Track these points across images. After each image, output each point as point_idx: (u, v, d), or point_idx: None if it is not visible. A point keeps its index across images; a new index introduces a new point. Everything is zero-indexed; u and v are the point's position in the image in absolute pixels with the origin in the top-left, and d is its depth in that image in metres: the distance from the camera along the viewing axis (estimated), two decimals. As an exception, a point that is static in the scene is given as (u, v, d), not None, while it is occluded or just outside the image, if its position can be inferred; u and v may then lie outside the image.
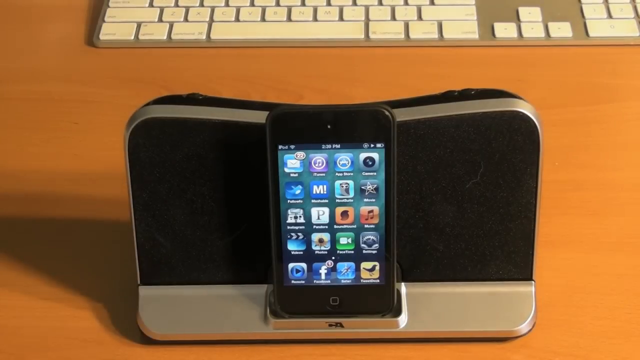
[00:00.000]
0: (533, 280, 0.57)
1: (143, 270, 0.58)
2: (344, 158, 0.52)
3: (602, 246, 0.63)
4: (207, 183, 0.56)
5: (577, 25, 0.82)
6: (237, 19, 0.83)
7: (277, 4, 0.84)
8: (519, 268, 0.57)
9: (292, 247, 0.55)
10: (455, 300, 0.57)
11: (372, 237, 0.54)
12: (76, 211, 0.66)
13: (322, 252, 0.55)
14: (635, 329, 0.58)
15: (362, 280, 0.55)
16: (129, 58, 0.81)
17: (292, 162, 0.52)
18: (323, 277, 0.55)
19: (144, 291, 0.58)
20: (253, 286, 0.58)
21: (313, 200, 0.53)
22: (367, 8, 0.84)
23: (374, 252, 0.55)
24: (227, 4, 0.85)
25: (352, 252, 0.55)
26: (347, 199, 0.53)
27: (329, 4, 0.84)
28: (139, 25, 0.83)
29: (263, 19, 0.83)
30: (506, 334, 0.57)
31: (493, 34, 0.81)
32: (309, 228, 0.54)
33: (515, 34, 0.81)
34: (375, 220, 0.54)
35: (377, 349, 0.57)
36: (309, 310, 0.56)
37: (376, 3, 0.84)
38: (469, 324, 0.57)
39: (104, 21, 0.84)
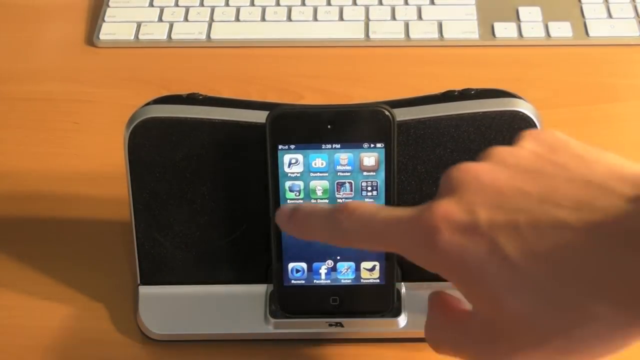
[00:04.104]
0: (533, 280, 0.57)
1: (143, 270, 0.58)
2: (344, 158, 0.52)
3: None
4: (207, 183, 0.56)
5: (577, 25, 0.82)
6: (237, 19, 0.83)
7: (277, 4, 0.84)
8: (519, 268, 0.57)
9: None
10: (455, 300, 0.57)
11: (372, 237, 0.54)
12: (76, 211, 0.66)
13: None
14: (635, 329, 0.58)
15: (362, 280, 0.55)
16: (129, 58, 0.81)
17: (292, 161, 0.52)
18: (323, 277, 0.55)
19: (144, 291, 0.58)
20: (253, 286, 0.58)
21: (313, 201, 0.53)
22: (367, 8, 0.84)
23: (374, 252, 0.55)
24: (227, 4, 0.85)
25: (352, 251, 0.55)
26: (348, 199, 0.53)
27: (329, 4, 0.84)
28: (139, 25, 0.83)
29: (263, 19, 0.83)
30: (506, 334, 0.57)
31: (493, 34, 0.81)
32: (309, 228, 0.54)
33: (515, 34, 0.81)
34: (375, 220, 0.54)
35: (377, 349, 0.57)
36: (309, 310, 0.56)
37: (376, 3, 0.84)
38: (469, 323, 0.57)
39: (104, 21, 0.84)
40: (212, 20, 0.83)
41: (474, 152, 0.54)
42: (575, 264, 0.37)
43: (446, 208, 0.40)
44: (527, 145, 0.43)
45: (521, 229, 0.38)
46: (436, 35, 0.81)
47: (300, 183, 0.53)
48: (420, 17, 0.83)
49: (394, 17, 0.83)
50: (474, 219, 0.39)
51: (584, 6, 0.83)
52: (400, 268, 0.57)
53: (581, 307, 0.37)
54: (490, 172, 0.41)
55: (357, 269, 0.55)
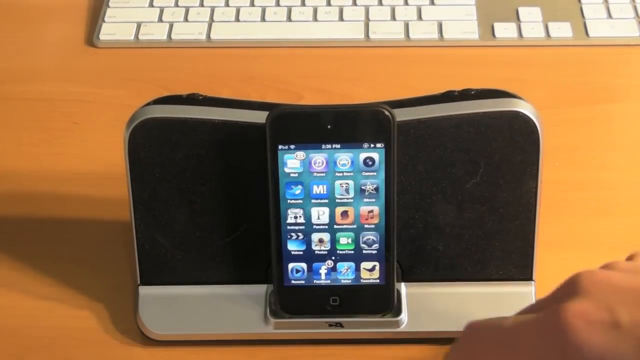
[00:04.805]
0: (533, 280, 0.57)
1: (143, 270, 0.58)
2: (344, 158, 0.52)
3: (602, 246, 0.63)
4: (207, 183, 0.56)
5: (577, 25, 0.82)
6: (237, 19, 0.83)
7: (277, 4, 0.84)
8: (519, 268, 0.57)
9: (292, 247, 0.55)
10: (455, 300, 0.57)
11: (372, 237, 0.54)
12: (76, 211, 0.66)
13: (322, 252, 0.55)
14: (635, 329, 0.58)
15: (362, 280, 0.55)
16: (129, 58, 0.81)
17: (292, 162, 0.52)
18: (323, 277, 0.55)
19: (144, 291, 0.58)
20: (253, 286, 0.58)
21: (313, 200, 0.53)
22: (367, 8, 0.84)
23: (374, 252, 0.55)
24: (227, 4, 0.85)
25: (352, 252, 0.55)
26: (347, 199, 0.53)
27: (329, 4, 0.84)
28: (139, 25, 0.83)
29: (263, 19, 0.83)
30: (506, 334, 0.57)
31: (493, 34, 0.81)
32: (309, 228, 0.54)
33: (515, 34, 0.81)
34: (375, 220, 0.54)
35: (377, 349, 0.57)
36: (309, 310, 0.56)
37: (376, 3, 0.84)
38: (469, 324, 0.57)
39: (104, 21, 0.84)
40: (212, 20, 0.83)
41: (474, 152, 0.54)
42: None
43: (581, 307, 0.39)
44: None
45: None
46: (436, 36, 0.81)
47: (300, 183, 0.53)
48: (420, 17, 0.83)
49: (394, 17, 0.83)
50: (615, 317, 0.38)
51: (584, 6, 0.83)
52: (400, 268, 0.57)
53: None
54: (621, 276, 0.40)
55: (357, 269, 0.55)
